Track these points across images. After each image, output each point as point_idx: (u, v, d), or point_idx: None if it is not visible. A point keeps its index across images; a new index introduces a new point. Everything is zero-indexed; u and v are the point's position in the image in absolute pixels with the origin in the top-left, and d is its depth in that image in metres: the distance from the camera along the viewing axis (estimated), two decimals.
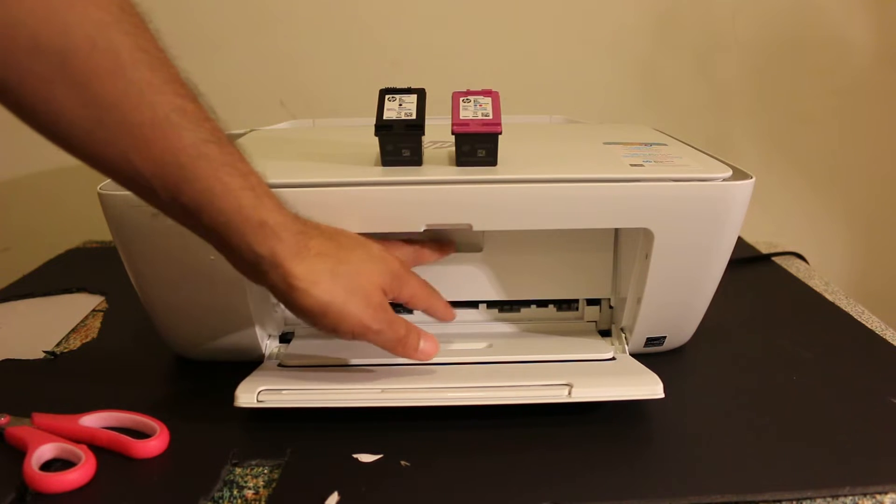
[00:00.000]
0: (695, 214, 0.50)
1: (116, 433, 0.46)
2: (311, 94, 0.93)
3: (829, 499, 0.41)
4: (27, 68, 0.35)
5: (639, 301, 0.54)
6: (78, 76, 0.36)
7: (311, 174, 0.51)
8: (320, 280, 0.43)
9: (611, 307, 0.59)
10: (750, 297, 0.71)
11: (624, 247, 0.57)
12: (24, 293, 0.73)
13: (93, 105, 0.36)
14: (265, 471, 0.44)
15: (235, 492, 0.42)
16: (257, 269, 0.43)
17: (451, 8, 0.90)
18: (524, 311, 0.60)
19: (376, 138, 0.51)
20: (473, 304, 0.60)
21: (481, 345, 0.56)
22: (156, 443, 0.45)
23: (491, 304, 0.60)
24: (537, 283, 0.59)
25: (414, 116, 0.51)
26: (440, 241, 0.56)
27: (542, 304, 0.60)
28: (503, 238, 0.57)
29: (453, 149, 0.52)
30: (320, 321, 0.44)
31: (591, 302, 0.60)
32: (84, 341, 0.63)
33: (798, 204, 1.01)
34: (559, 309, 0.60)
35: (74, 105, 0.36)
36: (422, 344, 0.49)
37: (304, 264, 0.43)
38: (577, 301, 0.60)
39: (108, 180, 0.52)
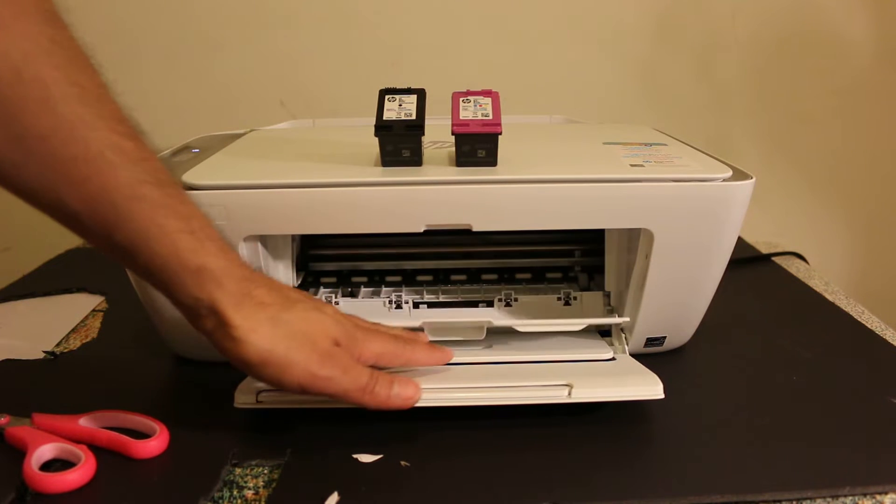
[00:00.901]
0: (695, 214, 0.50)
1: (116, 433, 0.46)
2: (311, 94, 0.93)
3: (829, 499, 0.41)
4: None
5: (639, 302, 0.54)
6: (3, 108, 0.35)
7: (311, 174, 0.51)
8: (259, 327, 0.41)
9: (610, 306, 0.59)
10: (750, 297, 0.71)
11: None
12: (24, 293, 0.73)
13: (21, 138, 0.36)
14: (265, 471, 0.44)
15: (235, 492, 0.42)
16: (195, 313, 0.42)
17: (451, 8, 0.90)
18: (524, 308, 0.60)
19: (376, 138, 0.51)
20: (473, 304, 0.60)
21: (481, 345, 0.56)
22: (156, 443, 0.45)
23: (489, 304, 0.60)
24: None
25: (414, 117, 0.51)
26: (432, 346, 0.51)
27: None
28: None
29: (453, 149, 0.52)
30: (262, 372, 0.42)
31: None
32: (84, 341, 0.63)
33: (798, 204, 1.01)
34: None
35: (2, 138, 0.36)
36: (395, 389, 0.44)
37: (243, 312, 0.41)
38: (576, 297, 0.60)
39: None
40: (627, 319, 0.55)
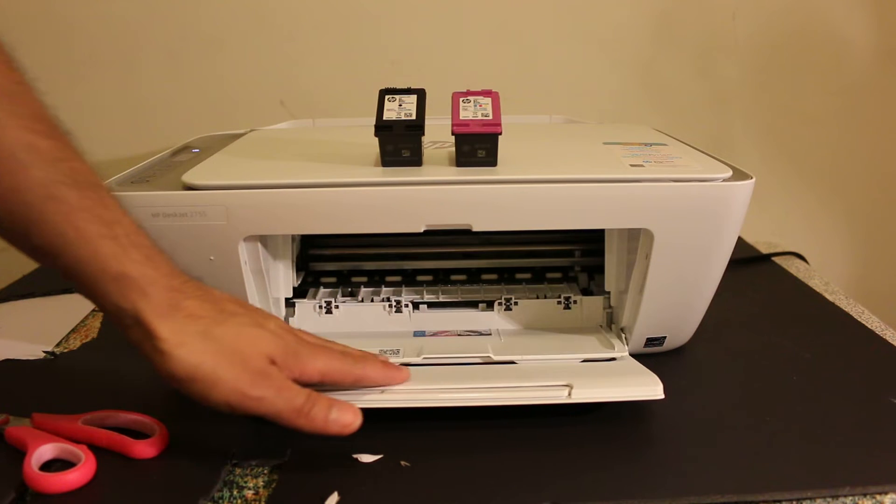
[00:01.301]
0: (695, 215, 0.50)
1: (116, 433, 0.46)
2: (311, 94, 0.93)
3: (829, 499, 0.41)
4: None
5: (639, 302, 0.54)
6: None
7: (311, 174, 0.51)
8: (187, 341, 0.40)
9: (610, 307, 0.59)
10: (750, 297, 0.71)
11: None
12: (24, 293, 0.73)
13: None
14: (265, 471, 0.44)
15: (235, 492, 0.42)
16: (121, 323, 0.40)
17: (450, 8, 0.90)
18: (524, 312, 0.60)
19: (376, 138, 0.51)
20: (473, 304, 0.60)
21: (481, 346, 0.56)
22: (156, 443, 0.45)
23: (489, 305, 0.60)
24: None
25: (414, 117, 0.51)
26: (387, 365, 0.48)
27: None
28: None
29: (453, 149, 0.52)
30: (189, 388, 0.40)
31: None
32: (84, 341, 0.63)
33: (798, 204, 1.01)
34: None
35: None
36: (334, 413, 0.42)
37: (170, 324, 0.39)
38: (576, 301, 0.60)
39: (109, 180, 0.52)
40: (626, 353, 0.54)
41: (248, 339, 0.42)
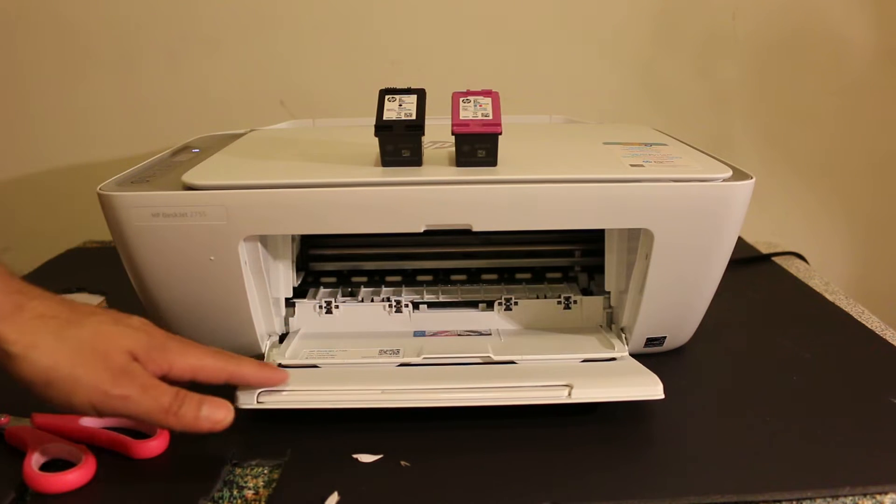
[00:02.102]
0: (695, 215, 0.50)
1: (116, 433, 0.46)
2: (311, 94, 0.93)
3: (829, 499, 0.41)
4: None
5: (639, 302, 0.54)
6: None
7: (312, 174, 0.51)
8: (39, 342, 0.37)
9: (611, 307, 0.59)
10: (750, 297, 0.71)
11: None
12: None
13: None
14: (265, 471, 0.44)
15: (235, 492, 0.42)
16: None
17: (450, 8, 0.90)
18: (524, 312, 0.60)
19: (376, 138, 0.51)
20: (473, 304, 0.60)
21: (481, 346, 0.56)
22: (156, 443, 0.45)
23: (489, 305, 0.60)
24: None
25: (414, 117, 0.51)
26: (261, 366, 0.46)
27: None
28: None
29: (453, 149, 0.52)
30: (48, 393, 0.37)
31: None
32: None
33: (798, 204, 1.01)
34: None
35: None
36: (204, 410, 0.40)
37: (16, 326, 0.37)
38: (576, 301, 0.60)
39: (109, 180, 0.52)
40: (626, 353, 0.54)
41: (106, 337, 0.39)
